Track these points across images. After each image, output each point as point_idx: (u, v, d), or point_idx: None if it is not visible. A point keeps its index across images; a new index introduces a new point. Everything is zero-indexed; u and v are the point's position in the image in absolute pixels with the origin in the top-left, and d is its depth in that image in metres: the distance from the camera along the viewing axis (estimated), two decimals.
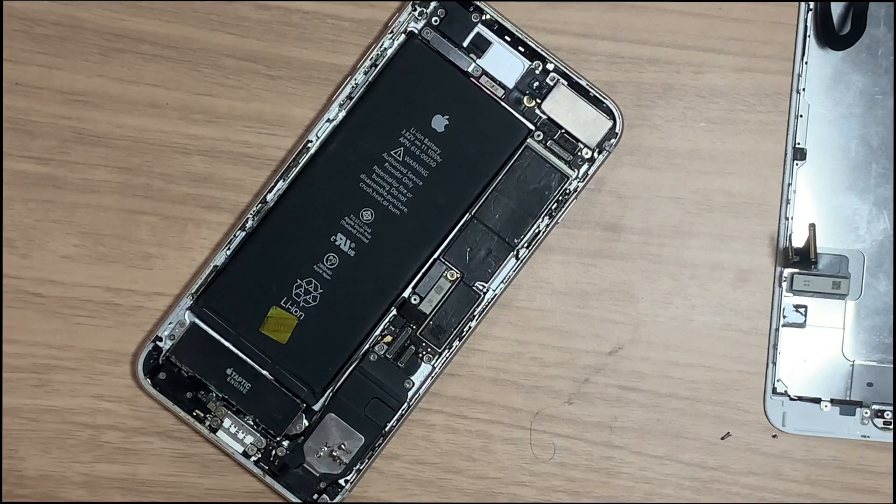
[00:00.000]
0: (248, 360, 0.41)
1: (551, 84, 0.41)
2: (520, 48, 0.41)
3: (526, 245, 0.41)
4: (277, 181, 0.41)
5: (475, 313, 0.41)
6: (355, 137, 0.41)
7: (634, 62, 0.42)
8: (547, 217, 0.41)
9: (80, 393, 0.42)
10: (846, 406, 0.42)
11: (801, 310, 0.42)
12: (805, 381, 0.42)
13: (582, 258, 0.42)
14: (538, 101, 0.41)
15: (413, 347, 0.41)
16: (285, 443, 0.41)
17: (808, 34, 0.42)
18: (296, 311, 0.40)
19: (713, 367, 0.42)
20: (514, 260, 0.41)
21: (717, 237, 0.42)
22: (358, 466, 0.41)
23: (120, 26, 0.42)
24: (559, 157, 0.41)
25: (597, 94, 0.41)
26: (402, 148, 0.41)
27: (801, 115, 0.42)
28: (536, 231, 0.41)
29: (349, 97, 0.41)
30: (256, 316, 0.40)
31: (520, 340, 0.42)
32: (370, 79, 0.41)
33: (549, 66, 0.41)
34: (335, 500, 0.41)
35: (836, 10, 0.42)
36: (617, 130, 0.41)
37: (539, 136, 0.41)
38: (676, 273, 0.42)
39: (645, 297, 0.42)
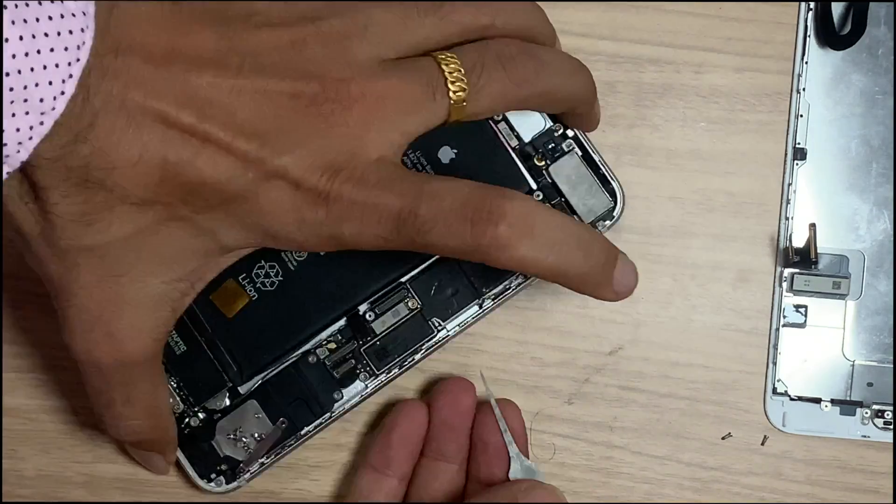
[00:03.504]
0: (189, 324, 0.40)
1: (565, 150, 0.40)
2: None
3: (492, 297, 0.40)
4: None
5: (422, 347, 0.40)
6: None
7: (634, 62, 0.42)
8: (521, 276, 0.40)
9: (79, 393, 0.42)
10: (846, 406, 0.42)
11: (802, 310, 0.42)
12: (805, 381, 0.42)
13: None
14: (548, 162, 0.40)
15: (353, 361, 0.41)
16: (201, 415, 0.40)
17: (808, 34, 0.42)
18: (250, 290, 0.40)
19: (713, 367, 0.42)
20: (476, 307, 0.40)
21: (717, 237, 0.42)
22: (262, 459, 0.40)
23: None
24: None
25: (606, 173, 0.40)
26: None
27: (802, 115, 0.42)
28: (506, 286, 0.40)
29: None
30: (211, 283, 0.39)
31: (520, 340, 0.42)
32: None
33: (569, 133, 0.40)
34: (229, 486, 0.40)
35: (837, 10, 0.42)
36: (615, 214, 0.40)
37: (538, 196, 0.40)
38: (676, 273, 0.42)
39: (645, 297, 0.42)
